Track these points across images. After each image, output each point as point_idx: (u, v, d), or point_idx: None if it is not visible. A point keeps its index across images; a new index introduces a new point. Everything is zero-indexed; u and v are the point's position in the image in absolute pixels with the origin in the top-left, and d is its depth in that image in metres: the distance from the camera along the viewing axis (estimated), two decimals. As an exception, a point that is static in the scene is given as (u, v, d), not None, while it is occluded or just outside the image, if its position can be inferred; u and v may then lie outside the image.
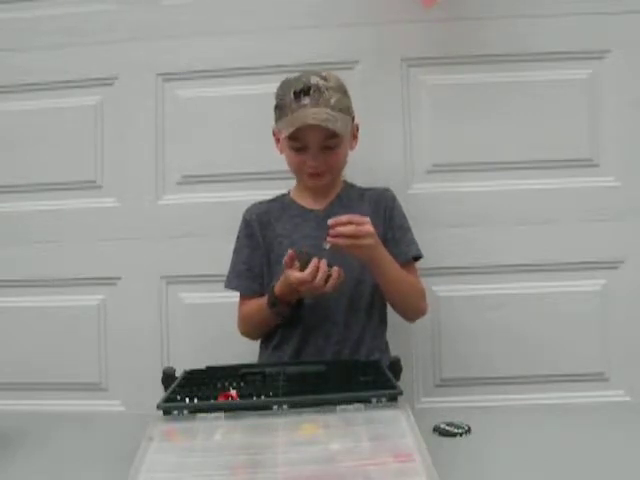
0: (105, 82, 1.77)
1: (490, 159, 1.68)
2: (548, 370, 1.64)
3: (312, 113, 1.30)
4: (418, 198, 1.67)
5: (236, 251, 1.48)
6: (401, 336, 1.59)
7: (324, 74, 1.36)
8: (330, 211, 1.42)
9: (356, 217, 1.23)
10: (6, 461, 1.05)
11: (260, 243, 1.45)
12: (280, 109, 1.37)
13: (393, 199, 1.49)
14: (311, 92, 1.31)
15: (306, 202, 1.47)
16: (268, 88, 1.58)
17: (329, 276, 1.23)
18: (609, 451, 1.01)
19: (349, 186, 1.52)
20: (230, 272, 1.47)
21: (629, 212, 1.65)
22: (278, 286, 1.32)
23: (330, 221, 1.22)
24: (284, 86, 1.37)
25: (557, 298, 1.65)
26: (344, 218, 1.22)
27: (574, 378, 1.63)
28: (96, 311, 1.75)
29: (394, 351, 1.45)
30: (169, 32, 1.75)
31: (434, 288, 1.66)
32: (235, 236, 1.49)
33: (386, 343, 1.48)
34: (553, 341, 1.64)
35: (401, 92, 1.70)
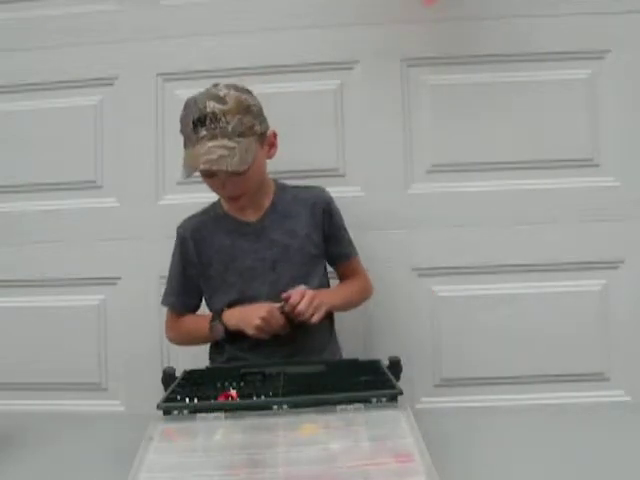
0: (105, 82, 1.76)
1: (490, 159, 1.68)
2: (548, 370, 1.64)
3: (206, 151, 1.25)
4: (418, 198, 1.67)
5: (172, 267, 1.47)
6: (401, 336, 1.59)
7: (222, 94, 1.28)
8: (265, 222, 1.41)
9: (294, 297, 1.28)
10: (6, 461, 1.05)
11: (195, 260, 1.44)
12: (184, 137, 1.32)
13: (330, 200, 1.47)
14: (207, 122, 1.25)
15: (240, 214, 1.43)
16: (268, 88, 1.59)
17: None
18: (609, 451, 1.01)
19: (281, 189, 1.47)
20: (166, 288, 1.48)
21: (629, 212, 1.65)
22: (233, 321, 1.34)
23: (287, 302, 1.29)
24: (186, 111, 1.30)
25: (557, 298, 1.65)
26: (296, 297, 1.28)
27: (574, 378, 1.63)
28: (96, 311, 1.75)
29: (394, 351, 1.44)
30: (169, 32, 1.74)
31: (434, 288, 1.66)
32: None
33: (337, 343, 1.51)
34: (553, 341, 1.64)
35: (401, 92, 1.70)
